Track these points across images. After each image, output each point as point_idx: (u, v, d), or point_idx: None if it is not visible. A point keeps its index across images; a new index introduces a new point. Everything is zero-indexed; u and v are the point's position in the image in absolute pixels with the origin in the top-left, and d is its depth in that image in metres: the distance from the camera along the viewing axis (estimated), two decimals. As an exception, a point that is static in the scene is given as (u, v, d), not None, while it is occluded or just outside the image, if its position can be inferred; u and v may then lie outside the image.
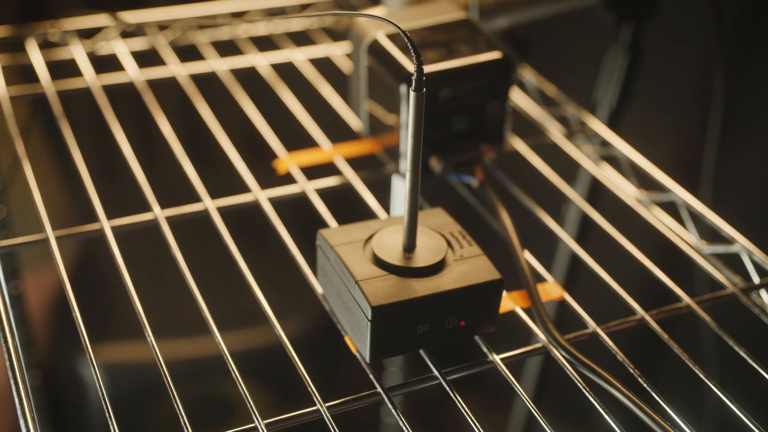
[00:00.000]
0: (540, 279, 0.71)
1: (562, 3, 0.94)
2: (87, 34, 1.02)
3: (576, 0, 0.95)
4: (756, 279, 0.72)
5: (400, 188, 0.90)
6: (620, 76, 1.04)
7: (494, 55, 0.76)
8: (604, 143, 0.90)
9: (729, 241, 0.75)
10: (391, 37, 0.77)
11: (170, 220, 0.74)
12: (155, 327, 0.63)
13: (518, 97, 0.96)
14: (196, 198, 0.76)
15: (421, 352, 0.62)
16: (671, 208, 0.81)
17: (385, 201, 0.84)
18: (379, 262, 0.60)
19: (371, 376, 0.60)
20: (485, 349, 0.63)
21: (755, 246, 0.74)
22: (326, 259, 0.63)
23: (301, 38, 1.07)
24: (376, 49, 0.77)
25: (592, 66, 1.10)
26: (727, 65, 1.02)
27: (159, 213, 0.74)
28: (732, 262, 0.75)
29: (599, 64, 1.06)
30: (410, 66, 0.73)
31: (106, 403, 0.56)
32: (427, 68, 0.73)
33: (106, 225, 0.72)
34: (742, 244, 0.74)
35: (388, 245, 0.61)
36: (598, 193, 1.05)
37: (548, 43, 1.24)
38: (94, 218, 0.73)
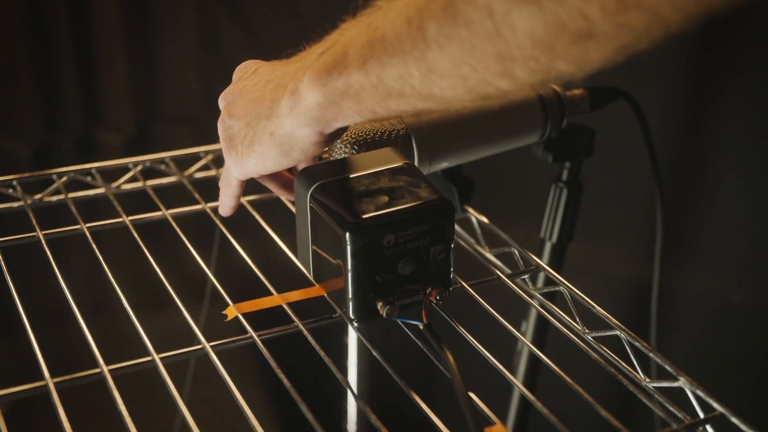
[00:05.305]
0: (488, 423, 0.71)
1: (501, 146, 0.97)
2: None
3: (515, 142, 0.99)
4: (701, 414, 0.73)
5: (353, 336, 0.90)
6: (563, 213, 1.07)
7: (435, 200, 0.78)
8: (549, 281, 0.92)
9: (673, 377, 0.76)
10: (334, 185, 0.79)
11: (114, 373, 0.73)
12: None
13: (463, 238, 0.98)
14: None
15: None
16: (616, 344, 0.82)
17: (333, 348, 0.84)
18: None
19: None
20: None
21: (696, 382, 0.74)
22: None
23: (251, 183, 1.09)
24: (319, 197, 0.78)
25: (536, 204, 1.12)
26: (664, 200, 1.06)
27: (106, 367, 0.73)
28: (678, 397, 0.75)
29: (543, 202, 1.09)
30: (353, 214, 0.75)
31: None
32: (369, 215, 0.75)
33: None
34: (685, 379, 0.75)
35: None
36: (545, 331, 1.06)
37: (492, 182, 1.27)
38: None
